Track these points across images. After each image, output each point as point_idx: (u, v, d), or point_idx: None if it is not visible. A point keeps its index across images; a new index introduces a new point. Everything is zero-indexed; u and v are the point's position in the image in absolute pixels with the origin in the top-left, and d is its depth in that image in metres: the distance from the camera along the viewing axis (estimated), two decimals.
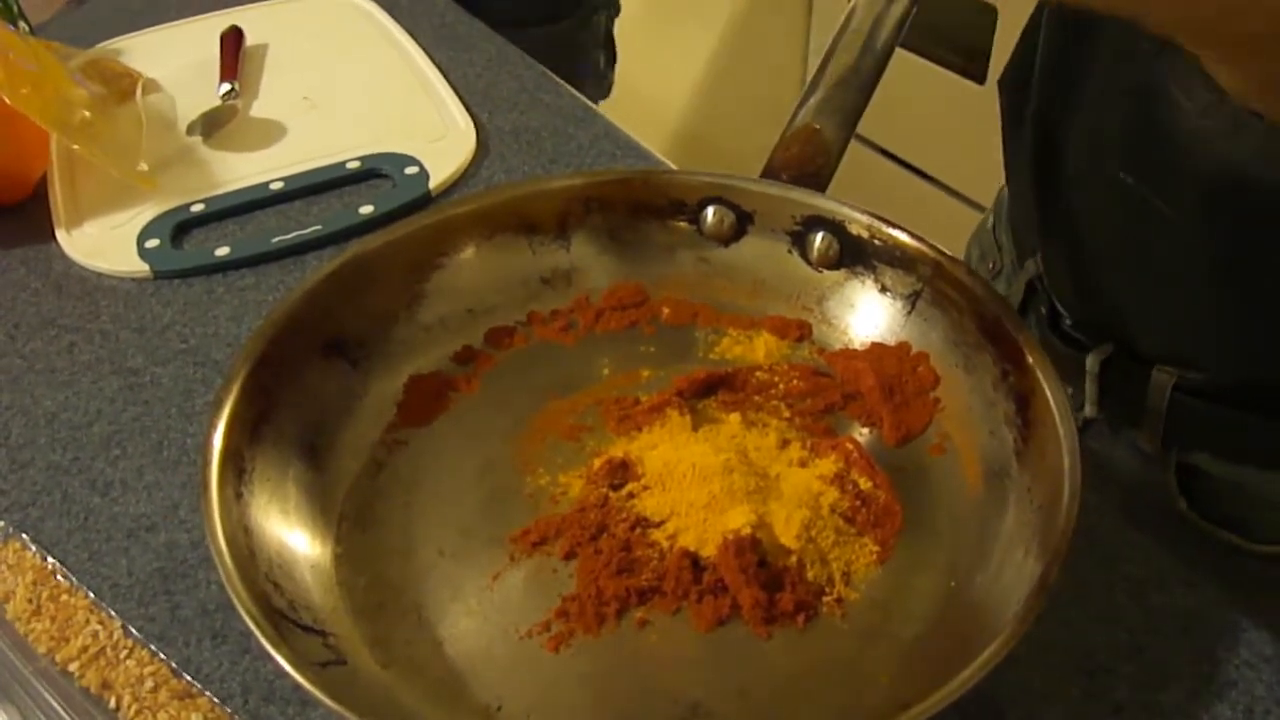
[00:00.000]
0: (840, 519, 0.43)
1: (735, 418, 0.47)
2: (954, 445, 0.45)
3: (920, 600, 0.41)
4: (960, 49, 1.42)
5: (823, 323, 0.51)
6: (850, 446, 0.46)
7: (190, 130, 0.71)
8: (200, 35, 0.81)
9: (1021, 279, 0.59)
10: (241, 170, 0.69)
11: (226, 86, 0.74)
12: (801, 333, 0.51)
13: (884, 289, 0.50)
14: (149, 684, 0.41)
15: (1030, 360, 0.42)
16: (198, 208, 0.65)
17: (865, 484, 0.44)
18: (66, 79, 0.68)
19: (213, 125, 0.72)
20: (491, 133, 0.72)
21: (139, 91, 0.71)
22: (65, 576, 0.45)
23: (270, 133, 0.72)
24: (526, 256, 0.53)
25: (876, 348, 0.49)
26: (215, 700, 0.41)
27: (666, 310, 0.53)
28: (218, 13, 0.86)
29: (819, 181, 0.52)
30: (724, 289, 0.53)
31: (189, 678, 0.42)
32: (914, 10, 0.57)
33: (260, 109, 0.75)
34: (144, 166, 0.67)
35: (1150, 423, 0.52)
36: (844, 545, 0.42)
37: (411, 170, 0.67)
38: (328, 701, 0.34)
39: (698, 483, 0.43)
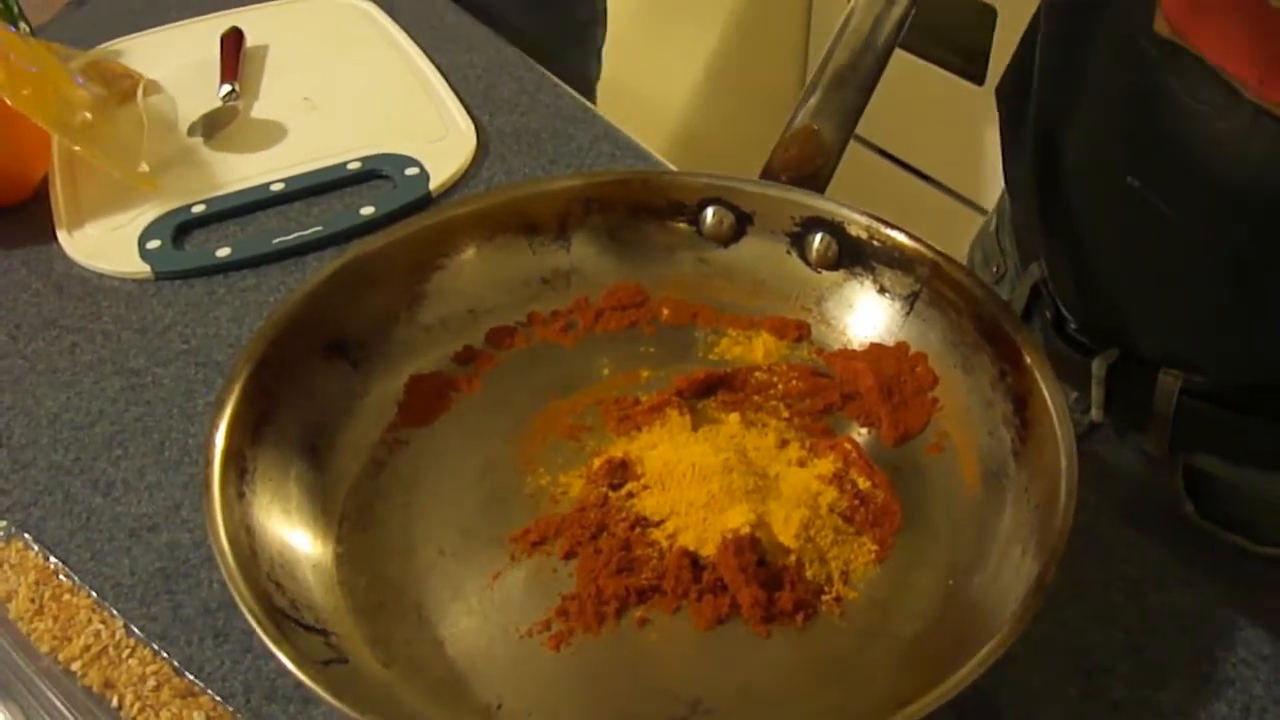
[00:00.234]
0: (839, 518, 0.43)
1: (734, 418, 0.47)
2: (952, 445, 0.46)
3: (918, 599, 0.41)
4: (959, 50, 1.42)
5: (821, 323, 0.51)
6: (849, 446, 0.46)
7: (191, 131, 0.71)
8: (201, 36, 0.82)
9: (1026, 283, 0.59)
10: (242, 171, 0.69)
11: (227, 88, 0.75)
12: (800, 333, 0.51)
13: (882, 290, 0.50)
14: (151, 683, 0.41)
15: (1028, 360, 0.43)
16: (199, 209, 0.65)
17: (864, 483, 0.45)
18: (67, 80, 0.68)
19: (213, 126, 0.72)
20: (492, 134, 0.72)
21: (140, 92, 0.72)
22: (67, 576, 0.46)
23: (271, 134, 0.72)
24: (527, 257, 0.53)
25: (875, 348, 0.49)
26: (217, 699, 0.41)
27: (666, 310, 0.53)
28: (218, 14, 0.86)
29: (818, 183, 0.52)
30: (723, 289, 0.53)
31: (191, 676, 0.42)
32: (913, 11, 0.57)
33: (261, 110, 0.75)
34: (145, 167, 0.67)
35: (1157, 426, 0.52)
36: (843, 544, 0.42)
37: (412, 171, 0.67)
38: (330, 699, 0.34)
39: (697, 482, 0.43)
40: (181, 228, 0.65)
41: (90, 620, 0.44)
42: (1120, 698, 0.40)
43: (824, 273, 0.51)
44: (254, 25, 0.83)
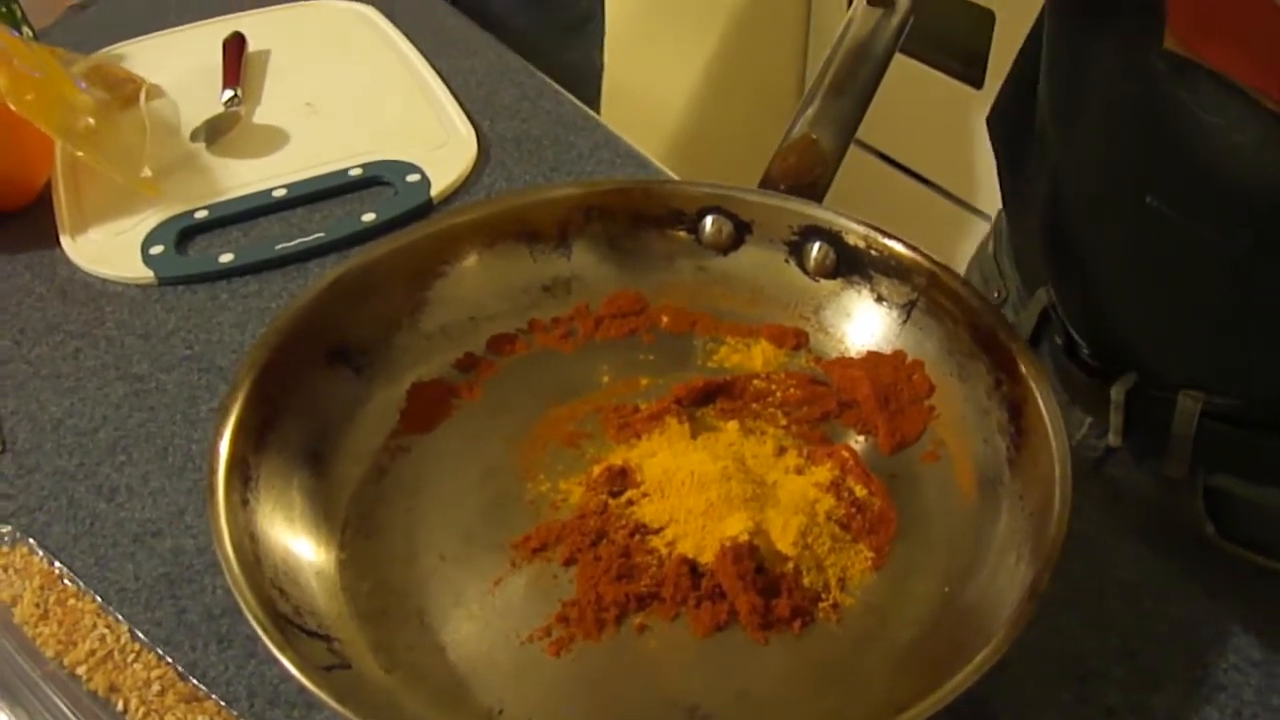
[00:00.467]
0: (836, 526, 0.43)
1: (733, 425, 0.47)
2: (948, 453, 0.46)
3: (914, 605, 0.41)
4: (958, 54, 1.42)
5: (819, 331, 0.52)
6: (846, 454, 0.46)
7: (194, 136, 0.72)
8: (203, 41, 0.82)
9: (1034, 308, 0.57)
10: (245, 177, 0.69)
11: (229, 93, 0.75)
12: (798, 341, 0.52)
13: (880, 298, 0.50)
14: (156, 687, 0.42)
15: (1023, 369, 0.43)
16: (201, 214, 0.66)
17: (861, 491, 0.45)
18: (70, 85, 0.68)
19: (216, 131, 0.72)
20: (492, 140, 0.72)
21: (142, 97, 0.72)
22: (72, 581, 0.46)
23: (273, 139, 0.73)
24: (528, 264, 0.53)
25: (872, 356, 0.50)
26: (221, 703, 0.41)
27: (665, 318, 0.53)
28: (220, 19, 0.87)
29: (816, 191, 0.52)
30: (722, 297, 0.53)
31: (195, 681, 0.42)
32: (911, 20, 0.57)
33: (263, 115, 0.75)
34: (148, 173, 0.67)
35: (1177, 449, 0.51)
36: (840, 551, 0.43)
37: (413, 178, 0.67)
38: (333, 704, 0.34)
39: (696, 490, 0.43)
40: (184, 233, 0.65)
41: (95, 625, 0.44)
42: (1114, 703, 0.40)
43: (822, 281, 0.52)
44: (256, 30, 0.83)
